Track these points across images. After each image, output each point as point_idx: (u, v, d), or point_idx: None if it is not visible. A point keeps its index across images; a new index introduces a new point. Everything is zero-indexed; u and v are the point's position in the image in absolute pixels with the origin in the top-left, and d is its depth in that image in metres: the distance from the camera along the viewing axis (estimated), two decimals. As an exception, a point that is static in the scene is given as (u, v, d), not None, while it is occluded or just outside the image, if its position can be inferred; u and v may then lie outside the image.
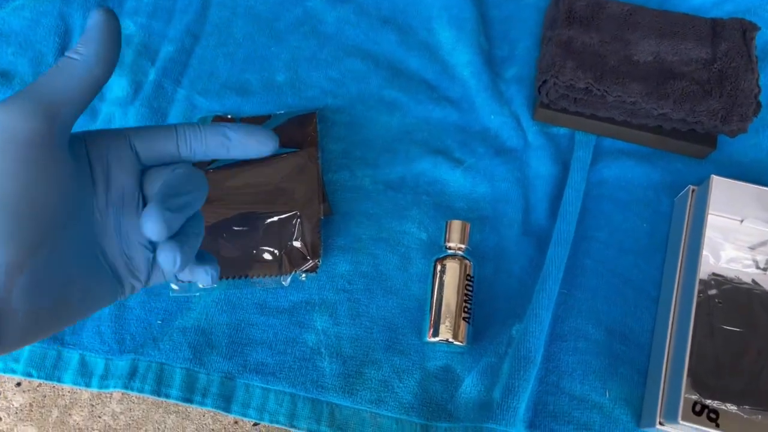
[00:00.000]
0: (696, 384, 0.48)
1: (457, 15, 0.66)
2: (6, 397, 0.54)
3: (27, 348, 0.53)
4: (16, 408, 0.53)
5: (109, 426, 0.52)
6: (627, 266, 0.55)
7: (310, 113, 0.60)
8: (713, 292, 0.52)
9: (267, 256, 0.53)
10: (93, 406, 0.53)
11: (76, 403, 0.53)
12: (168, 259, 0.30)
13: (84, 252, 0.28)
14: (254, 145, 0.33)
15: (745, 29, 0.58)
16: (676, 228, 0.54)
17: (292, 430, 0.50)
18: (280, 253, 0.53)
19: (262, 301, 0.54)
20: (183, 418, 0.52)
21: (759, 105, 0.54)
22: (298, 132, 0.57)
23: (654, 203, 0.57)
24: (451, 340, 0.49)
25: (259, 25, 0.68)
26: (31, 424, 0.53)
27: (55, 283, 0.26)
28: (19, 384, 0.54)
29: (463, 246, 0.52)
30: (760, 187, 0.50)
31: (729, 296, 0.52)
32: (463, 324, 0.50)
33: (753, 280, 0.53)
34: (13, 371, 0.53)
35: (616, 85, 0.55)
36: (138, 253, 0.31)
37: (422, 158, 0.60)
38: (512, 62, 0.66)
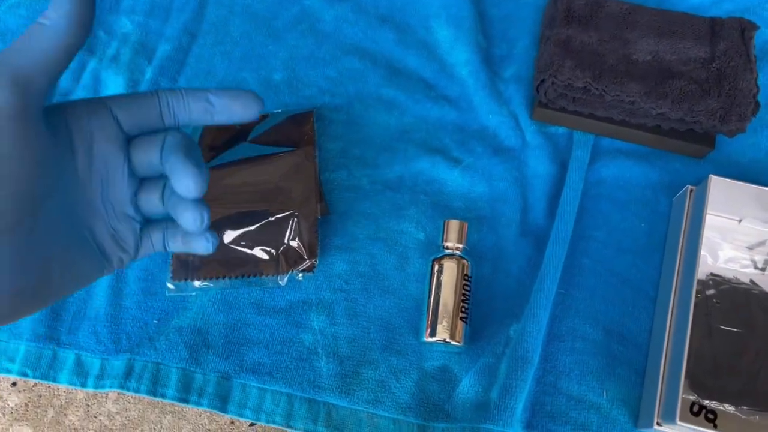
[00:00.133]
0: (694, 384, 0.48)
1: (456, 14, 0.66)
2: (1, 397, 0.53)
3: (22, 348, 0.53)
4: (12, 408, 0.53)
5: (105, 426, 0.52)
6: (625, 266, 0.55)
7: (307, 112, 0.59)
8: (711, 292, 0.52)
9: (264, 256, 0.52)
10: (89, 406, 0.53)
11: (72, 403, 0.53)
12: (196, 218, 0.29)
13: (66, 227, 0.28)
14: (239, 109, 0.32)
15: (744, 28, 0.57)
16: (674, 228, 0.54)
17: (289, 430, 0.50)
18: (276, 252, 0.52)
19: (259, 300, 0.54)
20: (179, 419, 0.52)
21: (757, 105, 0.54)
22: (296, 131, 0.57)
23: (652, 203, 0.57)
24: (448, 340, 0.49)
25: (256, 24, 0.68)
26: (27, 424, 0.52)
27: (35, 261, 0.26)
28: (14, 384, 0.54)
29: (460, 246, 0.52)
30: (759, 187, 0.50)
31: (727, 296, 0.52)
32: (460, 324, 0.49)
33: (751, 281, 0.53)
34: (9, 371, 0.52)
35: (615, 85, 0.55)
36: (125, 225, 0.30)
37: (420, 157, 0.60)
38: (510, 61, 0.65)
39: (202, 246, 0.33)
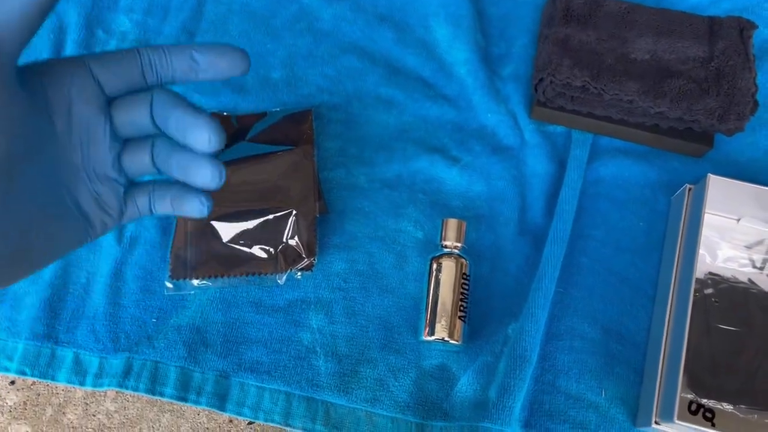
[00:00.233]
0: (692, 383, 0.48)
1: (454, 12, 0.66)
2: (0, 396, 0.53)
3: (21, 346, 0.53)
4: (10, 406, 0.53)
5: (104, 424, 0.52)
6: (623, 265, 0.55)
7: (306, 111, 0.59)
8: (710, 291, 0.52)
9: (262, 254, 0.52)
10: (87, 404, 0.53)
11: (70, 402, 0.53)
12: (215, 173, 0.29)
13: (45, 191, 0.27)
14: (225, 66, 0.30)
15: (743, 27, 0.57)
16: (672, 227, 0.54)
17: (287, 428, 0.50)
18: (275, 251, 0.52)
19: (258, 299, 0.54)
20: (178, 417, 0.52)
21: (756, 103, 0.54)
22: (294, 129, 0.57)
23: (651, 202, 0.57)
24: (446, 338, 0.49)
25: (254, 22, 0.68)
26: (25, 423, 0.52)
27: (12, 225, 0.25)
28: (12, 382, 0.54)
29: (459, 244, 0.52)
30: (757, 186, 0.50)
31: (725, 295, 0.52)
32: (459, 323, 0.49)
33: (749, 280, 0.53)
34: (7, 369, 0.52)
35: (613, 84, 0.55)
36: (108, 188, 0.30)
37: (418, 156, 0.60)
38: (509, 60, 0.65)
39: (197, 209, 0.32)
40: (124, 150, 0.31)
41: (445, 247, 0.52)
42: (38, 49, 0.66)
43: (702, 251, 0.54)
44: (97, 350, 0.53)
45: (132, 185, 0.33)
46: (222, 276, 0.53)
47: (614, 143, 0.60)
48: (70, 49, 0.66)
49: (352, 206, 0.58)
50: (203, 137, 0.28)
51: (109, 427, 0.52)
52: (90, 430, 0.52)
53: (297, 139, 0.56)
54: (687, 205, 0.53)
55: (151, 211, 0.33)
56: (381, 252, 0.56)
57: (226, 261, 0.53)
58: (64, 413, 0.53)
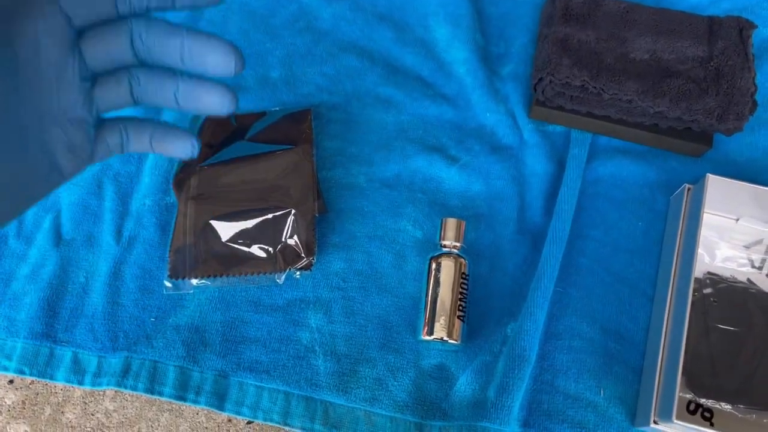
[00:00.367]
0: (690, 383, 0.48)
1: (454, 12, 0.66)
2: (-2, 395, 0.53)
3: (19, 345, 0.53)
4: (9, 406, 0.53)
5: (102, 424, 0.52)
6: (622, 265, 0.55)
7: (304, 110, 0.59)
8: (708, 290, 0.52)
9: (261, 254, 0.52)
10: (86, 403, 0.53)
11: (69, 401, 0.53)
12: (228, 98, 0.28)
13: (10, 137, 0.25)
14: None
15: (742, 27, 0.57)
16: (671, 226, 0.54)
17: (286, 428, 0.50)
18: (274, 250, 0.52)
19: (257, 298, 0.54)
20: (176, 416, 0.52)
21: (755, 103, 0.54)
22: (293, 129, 0.57)
23: (649, 201, 0.57)
24: (445, 338, 0.49)
25: (254, 22, 0.68)
26: (24, 422, 0.52)
27: None
28: (11, 381, 0.54)
29: (458, 244, 0.52)
30: (756, 186, 0.50)
31: (724, 295, 0.52)
32: (457, 322, 0.49)
33: (748, 279, 0.53)
34: (5, 368, 0.52)
35: (612, 83, 0.55)
36: (77, 130, 0.28)
37: (417, 156, 0.60)
38: (508, 59, 0.65)
39: (187, 149, 0.30)
40: (95, 85, 0.29)
41: (444, 246, 0.52)
42: None
43: (701, 251, 0.54)
44: (96, 349, 0.53)
45: (101, 123, 0.30)
46: (221, 275, 0.53)
47: (613, 143, 0.60)
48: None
49: (351, 206, 0.58)
50: (218, 60, 0.27)
51: (108, 427, 0.52)
52: (89, 429, 0.52)
53: (296, 138, 0.56)
54: (686, 204, 0.53)
55: (122, 148, 0.31)
56: (380, 251, 0.56)
57: (225, 260, 0.53)
58: (62, 412, 0.53)
